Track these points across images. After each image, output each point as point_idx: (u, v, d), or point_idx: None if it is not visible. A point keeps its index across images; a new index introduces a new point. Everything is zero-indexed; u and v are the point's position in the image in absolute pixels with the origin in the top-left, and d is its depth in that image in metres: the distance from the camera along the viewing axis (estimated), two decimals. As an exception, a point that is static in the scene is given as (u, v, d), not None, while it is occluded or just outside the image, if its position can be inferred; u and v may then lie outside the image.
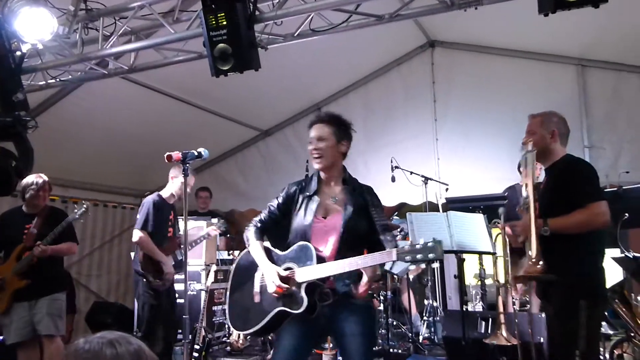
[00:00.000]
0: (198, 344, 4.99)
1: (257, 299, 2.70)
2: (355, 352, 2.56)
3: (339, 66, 6.81)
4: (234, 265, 2.93)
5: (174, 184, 4.70)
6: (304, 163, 6.61)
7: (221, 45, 3.09)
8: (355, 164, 7.32)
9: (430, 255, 2.27)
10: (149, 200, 4.67)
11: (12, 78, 3.66)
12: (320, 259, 2.57)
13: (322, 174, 2.81)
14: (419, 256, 2.29)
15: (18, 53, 3.64)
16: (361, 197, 2.73)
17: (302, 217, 2.73)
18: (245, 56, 3.14)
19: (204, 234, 5.13)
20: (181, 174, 4.39)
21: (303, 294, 2.52)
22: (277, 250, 2.77)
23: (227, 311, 2.85)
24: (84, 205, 4.34)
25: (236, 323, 2.81)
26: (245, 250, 2.88)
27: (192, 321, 4.25)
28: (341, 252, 2.59)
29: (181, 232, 4.47)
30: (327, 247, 2.65)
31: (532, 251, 2.60)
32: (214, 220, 5.51)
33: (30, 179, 4.37)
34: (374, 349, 2.75)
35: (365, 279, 2.49)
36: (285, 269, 2.64)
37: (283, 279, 2.60)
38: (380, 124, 7.21)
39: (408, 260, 2.32)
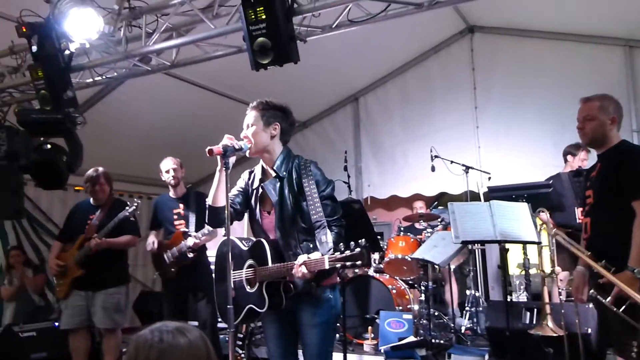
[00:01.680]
0: (241, 333, 5.10)
1: (232, 294, 2.73)
2: (310, 342, 2.65)
3: (376, 56, 6.78)
4: (215, 257, 2.97)
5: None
6: (342, 154, 6.65)
7: (261, 39, 3.12)
8: (393, 154, 7.33)
9: (358, 263, 2.34)
10: None
11: (62, 76, 3.83)
12: (277, 255, 2.62)
13: (262, 162, 2.80)
14: (348, 264, 2.36)
15: (67, 52, 3.81)
16: (295, 182, 2.67)
17: (253, 211, 2.78)
18: (284, 49, 3.16)
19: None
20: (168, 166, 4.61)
21: (265, 294, 2.59)
22: (241, 244, 2.79)
23: (216, 303, 2.92)
24: (135, 203, 4.43)
25: (223, 316, 2.85)
26: (221, 241, 2.93)
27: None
28: (290, 248, 2.64)
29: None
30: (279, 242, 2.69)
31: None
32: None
33: (88, 173, 4.53)
34: (332, 339, 2.81)
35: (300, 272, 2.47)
36: (249, 267, 2.71)
37: (249, 280, 2.69)
38: (419, 113, 7.16)
39: (340, 268, 2.41)
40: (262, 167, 2.81)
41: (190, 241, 4.40)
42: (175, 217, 4.65)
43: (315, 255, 2.48)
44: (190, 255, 4.45)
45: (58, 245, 4.64)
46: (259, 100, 2.79)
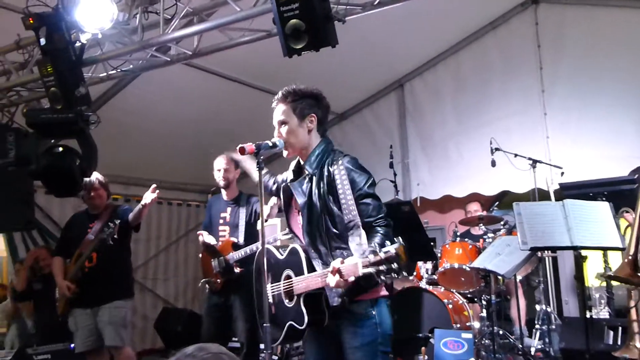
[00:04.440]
0: (276, 354, 5.16)
1: (272, 309, 2.80)
2: None
3: (424, 35, 6.74)
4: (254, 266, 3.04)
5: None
6: (387, 150, 6.63)
7: (293, 21, 3.13)
8: (446, 148, 7.26)
9: (394, 266, 2.22)
10: None
11: (73, 71, 3.94)
12: (310, 263, 2.63)
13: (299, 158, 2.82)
14: (382, 268, 2.24)
15: (78, 44, 3.91)
16: (326, 180, 2.64)
17: (286, 210, 2.82)
18: (320, 32, 3.15)
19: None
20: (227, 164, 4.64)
21: (302, 308, 2.59)
22: (277, 253, 2.84)
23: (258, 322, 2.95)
24: (112, 226, 4.40)
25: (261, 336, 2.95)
26: (258, 251, 2.93)
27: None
28: (320, 256, 2.62)
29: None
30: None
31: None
32: None
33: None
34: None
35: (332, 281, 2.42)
36: (286, 277, 2.74)
37: (287, 292, 2.71)
38: (475, 99, 7.08)
39: (375, 275, 2.26)
40: (299, 160, 2.83)
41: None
42: (221, 221, 4.73)
43: (350, 261, 2.40)
44: (237, 270, 4.49)
45: (60, 261, 4.70)
46: (285, 89, 2.78)
